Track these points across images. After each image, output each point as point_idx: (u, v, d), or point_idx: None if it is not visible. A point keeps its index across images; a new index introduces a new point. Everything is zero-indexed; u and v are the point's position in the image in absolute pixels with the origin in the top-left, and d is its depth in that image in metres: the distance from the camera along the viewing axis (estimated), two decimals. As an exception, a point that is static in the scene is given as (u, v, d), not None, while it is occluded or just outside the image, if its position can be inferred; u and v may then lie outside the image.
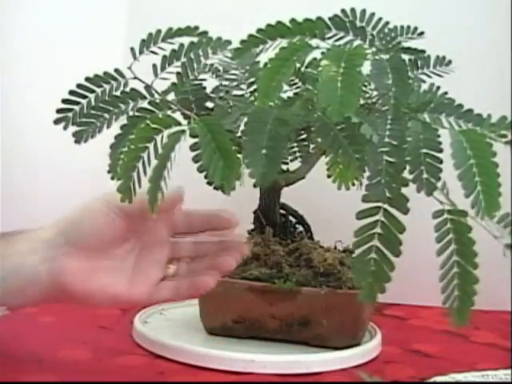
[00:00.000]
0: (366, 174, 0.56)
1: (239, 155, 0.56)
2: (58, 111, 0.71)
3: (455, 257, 0.52)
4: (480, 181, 0.50)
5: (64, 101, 0.71)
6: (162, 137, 0.55)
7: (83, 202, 0.60)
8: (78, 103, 0.71)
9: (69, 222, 0.59)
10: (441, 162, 0.52)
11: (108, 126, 0.71)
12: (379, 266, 0.51)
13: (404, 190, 0.52)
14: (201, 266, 0.63)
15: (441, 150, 0.52)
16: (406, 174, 0.52)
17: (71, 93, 0.70)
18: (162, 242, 0.63)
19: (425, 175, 0.51)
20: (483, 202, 0.49)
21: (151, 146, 0.55)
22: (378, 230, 0.51)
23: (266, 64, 0.76)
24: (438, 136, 0.53)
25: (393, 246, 0.50)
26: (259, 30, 0.65)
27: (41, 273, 0.58)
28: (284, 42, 0.62)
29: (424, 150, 0.51)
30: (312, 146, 0.78)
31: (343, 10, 0.72)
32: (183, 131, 0.55)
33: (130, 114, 0.70)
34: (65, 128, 0.72)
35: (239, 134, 0.61)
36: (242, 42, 0.66)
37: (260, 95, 0.55)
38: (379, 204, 0.51)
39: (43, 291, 0.58)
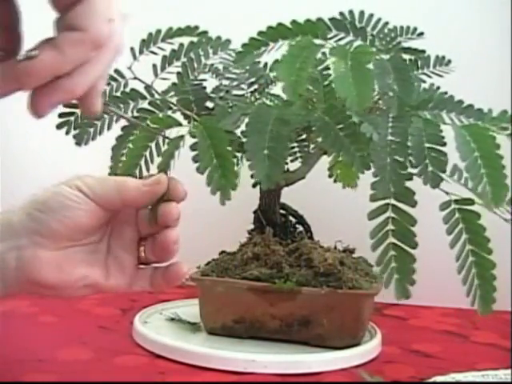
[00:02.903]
0: (363, 174, 0.56)
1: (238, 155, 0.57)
2: (60, 115, 0.71)
3: (469, 246, 0.53)
4: (486, 173, 0.50)
5: (65, 105, 0.70)
6: (164, 136, 0.55)
7: (53, 188, 0.55)
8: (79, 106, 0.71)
9: (39, 209, 0.54)
10: (445, 154, 0.52)
11: (108, 128, 0.71)
12: (401, 261, 0.51)
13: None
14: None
15: (444, 144, 0.52)
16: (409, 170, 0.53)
17: None
18: (129, 223, 0.59)
19: (430, 168, 0.51)
20: (490, 194, 0.50)
21: (153, 145, 0.55)
22: (390, 226, 0.51)
23: (266, 65, 0.77)
24: (441, 131, 0.53)
25: (408, 240, 0.51)
26: (260, 33, 0.65)
27: (8, 261, 0.53)
28: (286, 44, 0.62)
29: (428, 145, 0.52)
30: (312, 145, 0.78)
31: (341, 14, 0.72)
32: (182, 137, 0.55)
33: (130, 114, 0.70)
34: (67, 133, 0.71)
35: (239, 134, 0.61)
36: (244, 45, 0.66)
37: (288, 94, 0.54)
38: (387, 201, 0.51)
39: (11, 281, 0.54)
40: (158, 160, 0.57)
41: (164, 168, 0.56)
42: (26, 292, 0.57)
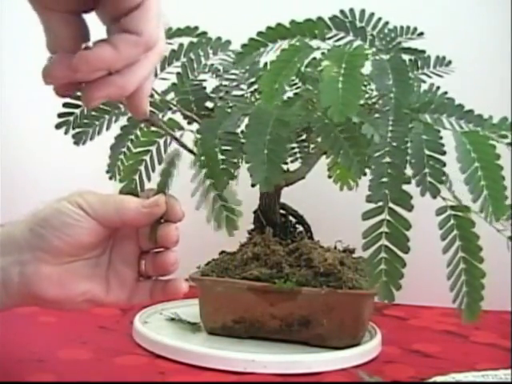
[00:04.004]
0: (360, 178, 0.56)
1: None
2: (60, 115, 0.71)
3: (461, 253, 0.53)
4: (486, 185, 0.50)
5: (65, 104, 0.71)
6: (166, 140, 0.55)
7: (55, 204, 0.56)
8: (78, 106, 0.71)
9: (41, 225, 0.56)
10: (444, 164, 0.52)
11: (107, 128, 0.71)
12: (391, 265, 0.51)
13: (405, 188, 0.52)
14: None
15: (444, 153, 0.52)
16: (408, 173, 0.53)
17: (72, 96, 0.70)
18: (130, 238, 0.60)
19: (428, 178, 0.51)
20: (491, 207, 0.49)
21: (154, 149, 0.55)
22: (384, 229, 0.51)
23: (266, 65, 0.77)
24: (441, 138, 0.53)
25: (401, 244, 0.51)
26: (259, 33, 0.65)
27: (11, 276, 0.55)
28: (285, 44, 0.62)
29: (427, 153, 0.52)
30: (312, 146, 0.78)
31: (342, 11, 0.72)
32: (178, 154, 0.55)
33: (130, 114, 0.70)
34: (66, 132, 0.72)
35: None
36: (243, 46, 0.66)
37: (263, 98, 0.55)
38: (383, 203, 0.51)
39: (14, 294, 0.56)
40: (158, 165, 0.58)
41: (163, 188, 0.56)
42: (27, 305, 0.59)
